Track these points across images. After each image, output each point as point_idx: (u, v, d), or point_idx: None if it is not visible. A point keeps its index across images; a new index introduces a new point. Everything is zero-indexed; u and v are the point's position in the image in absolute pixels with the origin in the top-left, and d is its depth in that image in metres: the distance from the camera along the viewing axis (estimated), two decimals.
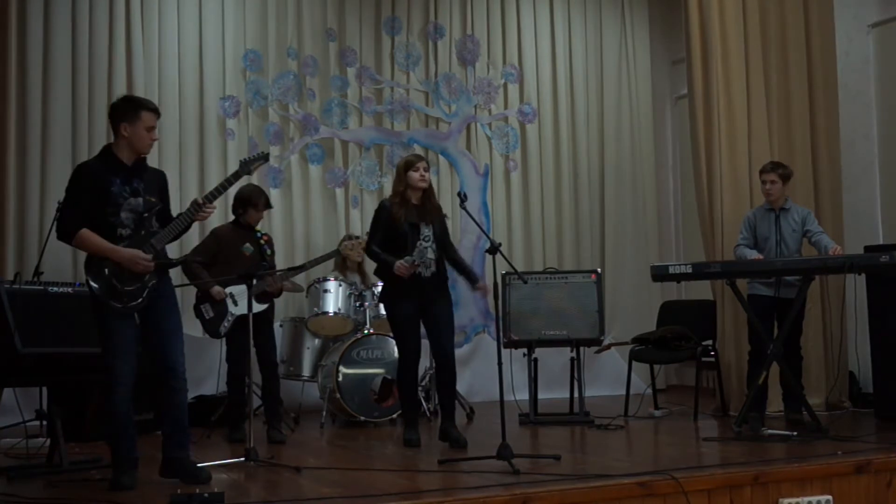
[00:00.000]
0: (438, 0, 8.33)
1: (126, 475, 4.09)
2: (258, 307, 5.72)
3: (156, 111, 4.27)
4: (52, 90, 6.94)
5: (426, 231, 5.30)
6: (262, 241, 5.95)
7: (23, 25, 6.85)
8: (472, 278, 5.50)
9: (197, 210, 4.31)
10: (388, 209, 5.33)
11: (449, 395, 5.32)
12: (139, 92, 7.10)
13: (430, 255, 5.29)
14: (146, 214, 4.24)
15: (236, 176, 4.54)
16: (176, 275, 6.70)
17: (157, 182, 4.38)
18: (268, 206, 6.07)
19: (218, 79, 7.54)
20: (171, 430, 4.26)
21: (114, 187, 4.16)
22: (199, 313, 5.86)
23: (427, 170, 5.36)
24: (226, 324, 5.77)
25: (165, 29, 7.37)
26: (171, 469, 4.23)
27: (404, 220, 5.27)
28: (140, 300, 4.17)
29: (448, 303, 5.41)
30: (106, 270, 4.13)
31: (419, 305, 5.30)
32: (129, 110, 4.20)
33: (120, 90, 7.06)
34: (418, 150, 8.11)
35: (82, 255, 6.73)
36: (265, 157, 4.73)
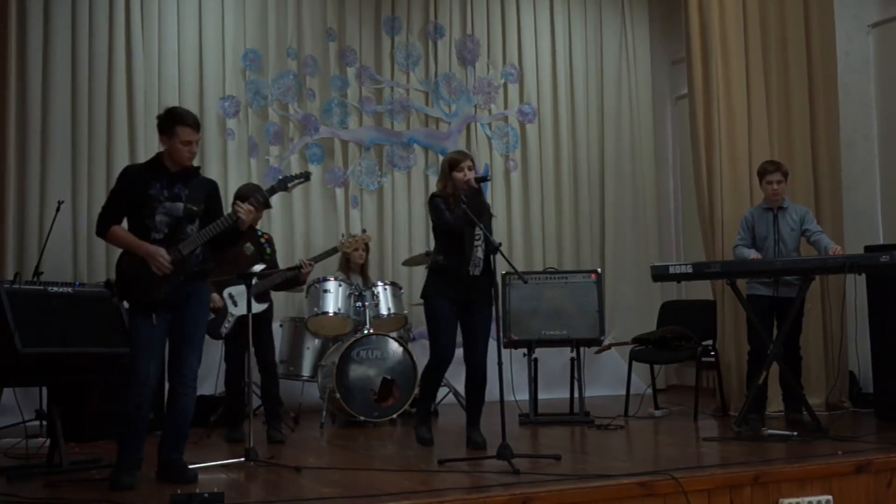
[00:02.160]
0: (438, 0, 8.34)
1: (127, 475, 4.09)
2: (257, 307, 5.72)
3: (193, 126, 4.32)
4: (52, 90, 6.94)
5: (478, 231, 5.11)
6: (262, 241, 5.95)
7: (23, 25, 6.85)
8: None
9: (234, 220, 4.39)
10: (447, 203, 5.11)
11: (477, 401, 5.24)
12: (139, 92, 7.14)
13: (479, 254, 5.14)
14: (184, 220, 4.28)
15: (271, 191, 4.65)
16: None
17: (205, 190, 4.42)
18: (266, 206, 6.03)
19: (218, 79, 7.54)
20: (167, 432, 4.31)
21: (152, 190, 4.25)
22: None
23: (472, 167, 5.14)
24: (226, 325, 5.77)
25: (165, 29, 7.37)
26: (165, 471, 4.25)
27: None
28: (157, 301, 4.20)
29: (490, 308, 5.19)
30: (129, 267, 4.22)
31: (461, 305, 5.16)
32: (167, 125, 4.30)
33: (120, 90, 7.09)
34: (418, 150, 8.14)
35: (83, 255, 6.90)
36: (306, 177, 4.83)
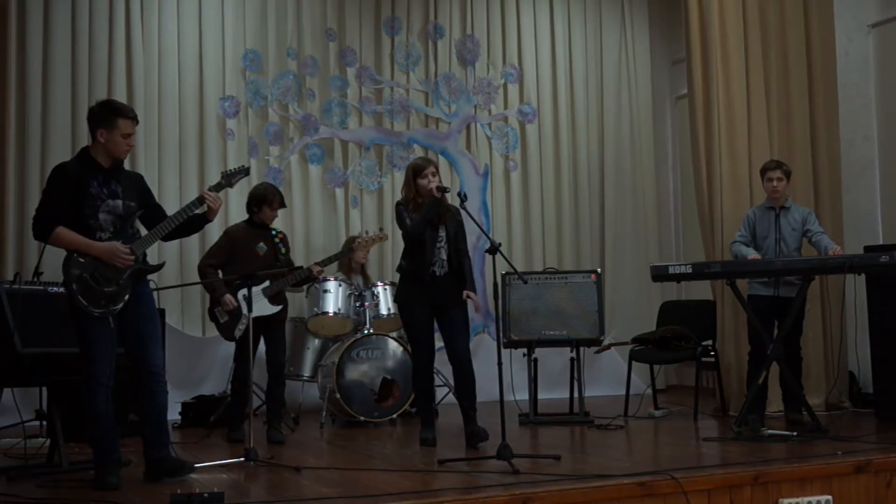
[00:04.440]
0: (438, 0, 8.34)
1: (112, 475, 4.09)
2: (271, 308, 5.71)
3: (134, 118, 4.26)
4: (52, 90, 6.94)
5: (441, 233, 5.31)
6: (276, 240, 5.90)
7: (23, 25, 6.85)
8: (465, 285, 5.38)
9: (196, 206, 4.36)
10: (408, 210, 5.31)
11: (469, 398, 5.29)
12: (139, 92, 7.13)
13: (443, 255, 5.31)
14: (127, 218, 4.23)
15: (218, 187, 4.57)
16: (172, 273, 6.74)
17: (136, 185, 4.37)
18: (282, 205, 6.03)
19: (218, 79, 7.54)
20: (152, 432, 4.28)
21: (91, 188, 4.15)
22: (213, 317, 5.83)
23: (436, 174, 5.30)
24: (241, 326, 5.71)
25: (165, 29, 7.37)
26: (154, 470, 4.24)
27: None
28: (119, 305, 4.16)
29: (463, 304, 5.38)
30: (83, 270, 4.11)
31: (433, 306, 5.31)
32: (107, 117, 4.19)
33: (120, 90, 7.08)
34: (418, 150, 8.13)
35: None
36: (246, 172, 4.78)
